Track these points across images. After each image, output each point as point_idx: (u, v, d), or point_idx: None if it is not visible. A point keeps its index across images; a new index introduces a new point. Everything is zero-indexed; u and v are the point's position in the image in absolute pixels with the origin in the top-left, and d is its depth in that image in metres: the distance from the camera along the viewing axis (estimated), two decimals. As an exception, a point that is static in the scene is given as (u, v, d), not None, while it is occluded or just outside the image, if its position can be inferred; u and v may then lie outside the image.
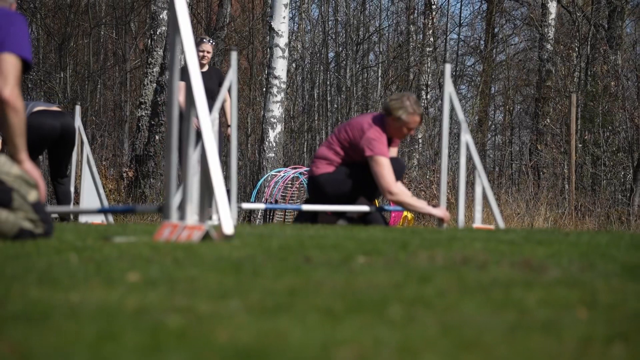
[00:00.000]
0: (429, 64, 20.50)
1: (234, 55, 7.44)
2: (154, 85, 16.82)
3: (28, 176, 4.02)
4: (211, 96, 9.98)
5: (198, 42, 10.41)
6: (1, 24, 4.04)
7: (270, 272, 2.70)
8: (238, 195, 9.79)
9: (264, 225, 9.04)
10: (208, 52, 10.51)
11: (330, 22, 23.24)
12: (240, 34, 23.92)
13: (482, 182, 7.30)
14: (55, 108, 8.75)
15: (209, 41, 10.58)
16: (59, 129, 8.55)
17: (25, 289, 2.28)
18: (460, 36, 23.75)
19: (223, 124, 10.33)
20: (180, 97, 8.80)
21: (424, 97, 19.99)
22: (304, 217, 7.35)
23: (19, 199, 3.94)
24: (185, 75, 4.16)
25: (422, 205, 7.10)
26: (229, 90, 7.41)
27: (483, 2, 23.65)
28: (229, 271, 2.70)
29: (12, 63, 4.01)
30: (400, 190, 6.97)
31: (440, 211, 6.98)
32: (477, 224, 7.21)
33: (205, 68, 10.43)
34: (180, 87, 9.27)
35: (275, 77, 13.96)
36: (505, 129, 23.63)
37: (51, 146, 8.65)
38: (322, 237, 4.28)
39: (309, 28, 23.76)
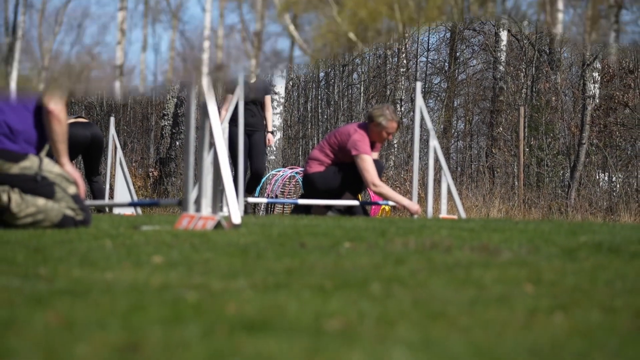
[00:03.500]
0: (403, 82, 20.47)
1: (241, 76, 7.41)
2: (175, 100, 16.77)
3: (68, 175, 4.01)
4: (256, 104, 9.78)
5: None
6: None
7: (271, 255, 2.69)
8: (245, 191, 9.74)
9: (266, 216, 9.03)
10: None
11: (320, 48, 23.19)
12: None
13: (447, 179, 7.30)
14: (82, 119, 8.68)
15: None
16: (90, 137, 8.52)
17: (69, 269, 2.27)
18: (429, 59, 23.74)
19: (264, 129, 9.98)
20: (223, 109, 8.57)
21: (399, 109, 19.95)
22: (299, 210, 7.34)
23: (60, 191, 3.94)
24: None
25: (399, 198, 7.10)
26: (237, 104, 7.36)
27: (447, 31, 23.65)
28: (237, 255, 2.69)
29: None
30: (381, 184, 6.99)
31: (413, 205, 6.98)
32: (443, 214, 7.20)
33: (254, 79, 9.54)
34: (226, 99, 9.09)
35: (276, 93, 13.95)
36: (466, 136, 23.63)
37: (84, 151, 8.61)
38: (315, 226, 4.27)
39: (303, 52, 23.70)
